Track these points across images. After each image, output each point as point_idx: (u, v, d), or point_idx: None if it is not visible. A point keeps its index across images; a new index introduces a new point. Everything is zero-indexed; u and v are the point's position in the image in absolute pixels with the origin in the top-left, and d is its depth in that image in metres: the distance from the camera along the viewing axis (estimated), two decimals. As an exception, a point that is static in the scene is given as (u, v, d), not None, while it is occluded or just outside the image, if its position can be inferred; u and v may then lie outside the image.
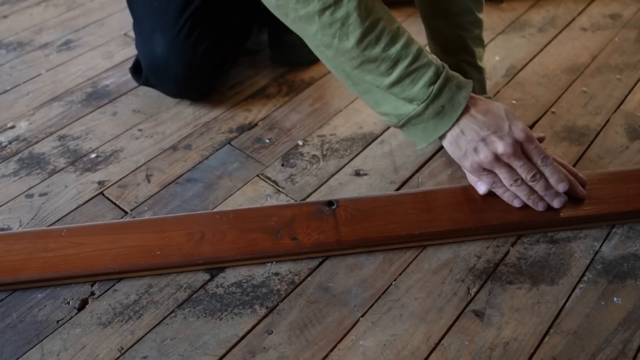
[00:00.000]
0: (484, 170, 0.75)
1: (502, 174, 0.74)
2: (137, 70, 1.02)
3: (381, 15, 0.70)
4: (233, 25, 1.04)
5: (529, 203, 0.76)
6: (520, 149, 0.73)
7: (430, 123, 0.73)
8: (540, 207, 0.76)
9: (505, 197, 0.77)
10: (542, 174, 0.75)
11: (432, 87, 0.71)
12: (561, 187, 0.76)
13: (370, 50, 0.70)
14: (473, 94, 0.75)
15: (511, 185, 0.75)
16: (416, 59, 0.71)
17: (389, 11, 0.73)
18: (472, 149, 0.73)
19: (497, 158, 0.73)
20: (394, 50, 0.70)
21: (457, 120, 0.73)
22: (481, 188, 0.79)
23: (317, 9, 0.68)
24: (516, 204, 0.77)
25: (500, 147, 0.72)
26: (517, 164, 0.74)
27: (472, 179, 0.81)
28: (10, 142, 0.96)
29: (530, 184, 0.75)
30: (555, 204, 0.76)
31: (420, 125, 0.74)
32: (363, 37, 0.69)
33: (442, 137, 0.74)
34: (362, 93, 0.75)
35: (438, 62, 0.73)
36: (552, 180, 0.75)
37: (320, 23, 0.69)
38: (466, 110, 0.73)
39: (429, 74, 0.71)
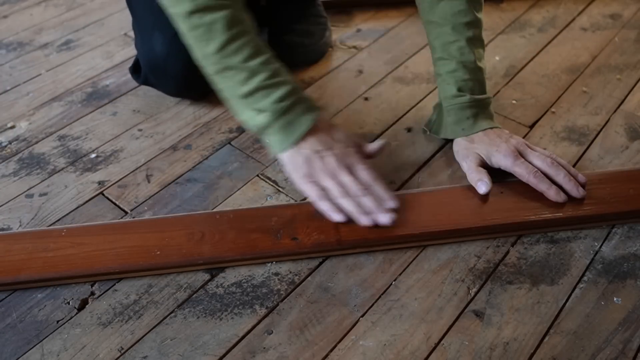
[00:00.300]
0: (311, 181, 0.77)
1: (331, 186, 0.77)
2: (136, 69, 1.02)
3: (248, 30, 0.76)
4: None
5: (354, 216, 0.77)
6: (349, 167, 0.78)
7: (278, 136, 0.77)
8: (363, 221, 0.76)
9: (328, 209, 0.77)
10: (370, 191, 0.77)
11: (282, 104, 0.76)
12: (389, 204, 0.77)
13: (229, 59, 0.75)
14: (325, 120, 0.81)
15: (337, 198, 0.77)
16: (273, 76, 0.76)
17: (256, 30, 0.79)
18: (304, 160, 0.77)
19: (328, 169, 0.77)
20: (253, 63, 0.75)
21: (301, 139, 0.77)
22: (481, 188, 0.80)
23: (187, 10, 0.73)
24: (336, 217, 0.77)
25: (330, 160, 0.77)
26: (344, 179, 0.77)
27: (472, 178, 0.81)
28: (10, 142, 0.96)
29: (353, 199, 0.77)
30: (382, 219, 0.76)
31: (272, 137, 0.78)
32: (225, 44, 0.74)
33: (286, 149, 0.78)
34: (225, 98, 0.80)
35: (294, 84, 0.78)
36: (373, 199, 0.77)
37: (189, 23, 0.74)
38: (311, 132, 0.77)
39: (282, 91, 0.76)
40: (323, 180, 0.77)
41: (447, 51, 0.87)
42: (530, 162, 0.82)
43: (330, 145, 0.78)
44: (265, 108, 0.76)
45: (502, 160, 0.82)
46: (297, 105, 0.77)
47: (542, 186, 0.79)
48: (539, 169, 0.81)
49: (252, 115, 0.77)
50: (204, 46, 0.75)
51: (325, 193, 0.77)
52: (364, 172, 0.78)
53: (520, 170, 0.81)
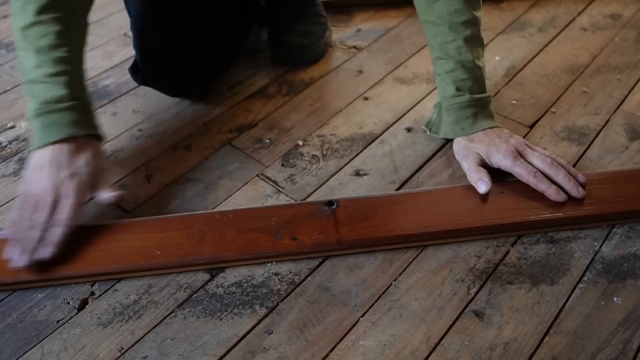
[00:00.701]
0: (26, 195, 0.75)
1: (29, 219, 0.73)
2: (135, 70, 1.02)
3: (69, 24, 0.76)
4: (230, 23, 1.04)
5: None
6: None
7: (35, 132, 0.76)
8: None
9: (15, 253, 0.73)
10: None
11: (54, 105, 0.75)
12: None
13: (29, 41, 0.75)
14: (89, 144, 0.78)
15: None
16: (62, 74, 0.75)
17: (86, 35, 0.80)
18: (35, 168, 0.75)
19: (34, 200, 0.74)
20: (51, 55, 0.75)
21: (47, 145, 0.75)
22: (481, 188, 0.80)
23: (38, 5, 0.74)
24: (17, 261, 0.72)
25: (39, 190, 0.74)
26: (36, 216, 0.73)
27: (472, 178, 0.81)
28: (10, 142, 0.96)
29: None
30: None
31: (33, 131, 0.76)
32: (30, 25, 0.75)
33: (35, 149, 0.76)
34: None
35: (80, 93, 0.78)
36: None
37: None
38: (59, 144, 0.75)
39: (60, 90, 0.75)
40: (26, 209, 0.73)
41: (445, 51, 0.87)
42: (529, 162, 0.82)
43: (66, 166, 0.74)
44: (35, 99, 0.75)
45: (502, 160, 0.82)
46: (63, 112, 0.75)
47: (542, 186, 0.79)
48: (538, 169, 0.81)
49: (28, 99, 0.77)
50: (15, 18, 0.76)
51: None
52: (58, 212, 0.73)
53: (519, 171, 0.81)
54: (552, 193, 0.79)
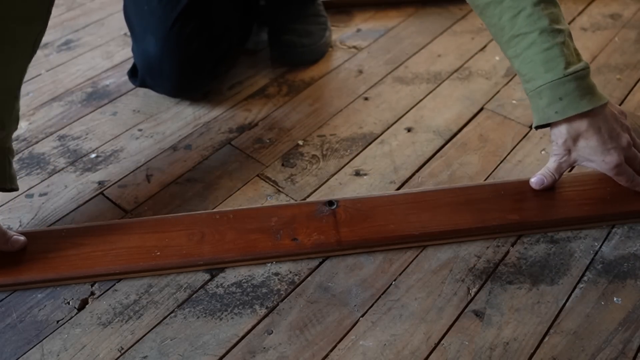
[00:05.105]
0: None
1: None
2: (134, 73, 1.03)
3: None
4: (229, 22, 1.04)
5: None
6: None
7: None
8: None
9: None
10: None
11: None
12: None
13: None
14: None
15: None
16: None
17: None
18: None
19: None
20: None
21: None
22: (536, 182, 0.80)
23: None
24: None
25: None
26: None
27: (542, 172, 0.80)
28: (10, 142, 0.96)
29: None
30: None
31: None
32: None
33: None
34: None
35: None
36: None
37: None
38: None
39: None
40: None
41: (517, 26, 0.74)
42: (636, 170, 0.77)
43: None
44: None
45: (605, 170, 0.77)
46: None
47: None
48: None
49: None
50: None
51: None
52: None
53: (620, 179, 0.78)
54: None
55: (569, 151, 0.76)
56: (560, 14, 0.76)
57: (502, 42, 0.77)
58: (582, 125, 0.74)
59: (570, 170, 0.86)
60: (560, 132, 0.75)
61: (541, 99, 0.75)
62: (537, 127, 0.77)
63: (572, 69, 0.73)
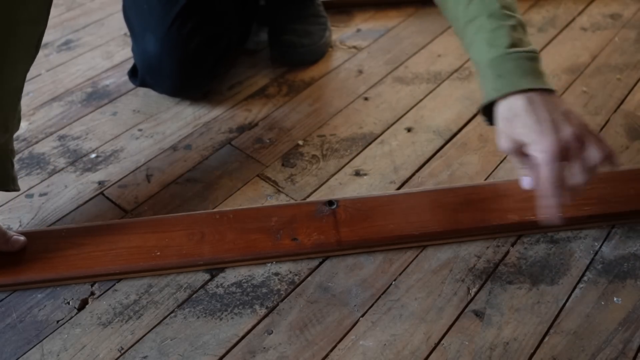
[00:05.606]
0: None
1: None
2: (134, 73, 1.03)
3: None
4: (229, 22, 1.04)
5: None
6: None
7: None
8: None
9: None
10: None
11: None
12: None
13: None
14: None
15: None
16: None
17: None
18: None
19: None
20: None
21: None
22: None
23: None
24: None
25: None
26: None
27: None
28: (10, 142, 0.96)
29: None
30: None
31: None
32: None
33: None
34: None
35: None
36: None
37: None
38: None
39: None
40: None
41: (469, 12, 0.71)
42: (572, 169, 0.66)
43: None
44: None
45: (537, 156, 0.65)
46: None
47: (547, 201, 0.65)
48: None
49: None
50: None
51: None
52: None
53: (545, 175, 0.64)
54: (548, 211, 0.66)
55: (509, 135, 0.67)
56: (514, 4, 0.72)
57: (459, 33, 0.74)
58: (519, 103, 0.66)
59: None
60: (500, 112, 0.68)
61: (485, 80, 0.70)
62: (483, 113, 0.71)
63: (515, 49, 0.69)
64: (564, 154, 0.65)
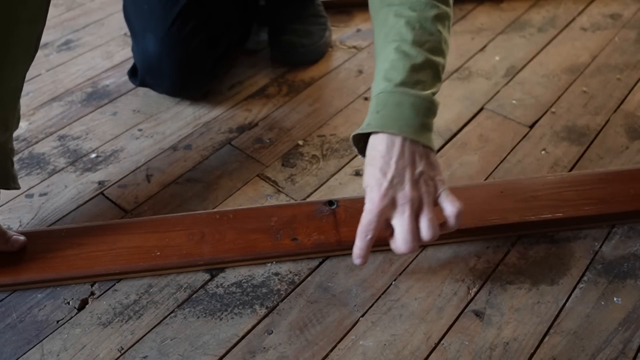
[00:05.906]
0: None
1: None
2: (134, 73, 1.03)
3: None
4: (229, 22, 1.04)
5: None
6: None
7: None
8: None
9: None
10: None
11: None
12: None
13: None
14: None
15: None
16: None
17: None
18: None
19: None
20: None
21: None
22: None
23: None
24: None
25: None
26: None
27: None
28: (10, 142, 0.96)
29: None
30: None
31: None
32: None
33: None
34: None
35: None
36: None
37: None
38: None
39: None
40: None
41: (387, 35, 0.68)
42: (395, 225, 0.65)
43: None
44: None
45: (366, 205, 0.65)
46: None
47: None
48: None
49: None
50: None
51: None
52: None
53: (361, 225, 0.64)
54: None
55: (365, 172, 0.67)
56: (440, 45, 0.67)
57: (376, 53, 0.71)
58: (380, 146, 0.64)
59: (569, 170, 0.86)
60: (367, 147, 0.67)
61: (369, 110, 0.68)
62: (355, 142, 0.69)
63: (404, 88, 0.64)
64: (387, 211, 0.64)
